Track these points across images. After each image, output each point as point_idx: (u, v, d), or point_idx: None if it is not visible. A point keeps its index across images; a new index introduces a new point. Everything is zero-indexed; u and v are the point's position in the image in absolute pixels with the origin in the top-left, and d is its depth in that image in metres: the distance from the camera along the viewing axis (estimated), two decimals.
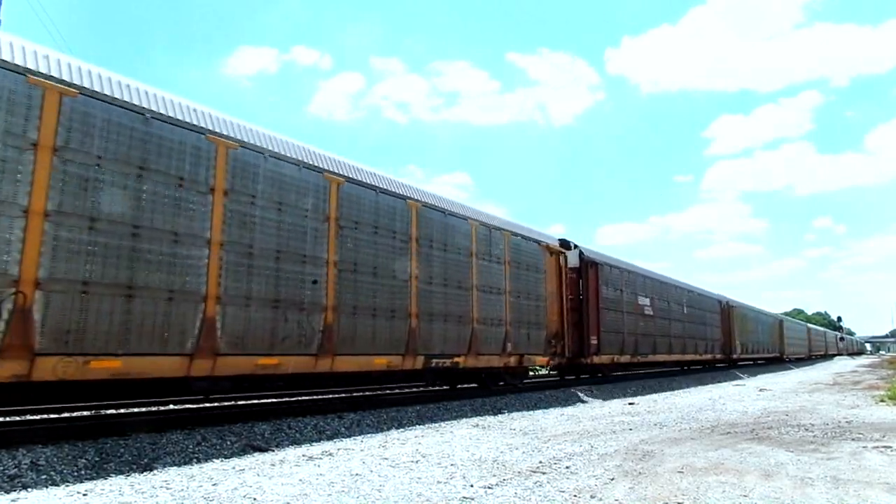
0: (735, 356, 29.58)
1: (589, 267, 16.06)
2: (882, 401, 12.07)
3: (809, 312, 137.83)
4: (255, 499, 4.28)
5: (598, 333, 15.96)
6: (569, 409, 11.05)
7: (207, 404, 9.60)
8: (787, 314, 72.43)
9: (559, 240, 15.17)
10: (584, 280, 15.78)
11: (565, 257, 14.71)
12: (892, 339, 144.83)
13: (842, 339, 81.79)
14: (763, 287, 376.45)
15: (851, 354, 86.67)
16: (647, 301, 19.77)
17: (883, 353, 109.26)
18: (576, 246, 15.79)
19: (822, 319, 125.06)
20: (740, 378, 23.67)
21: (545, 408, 11.33)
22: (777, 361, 40.95)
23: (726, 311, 29.34)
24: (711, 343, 26.25)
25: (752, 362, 36.70)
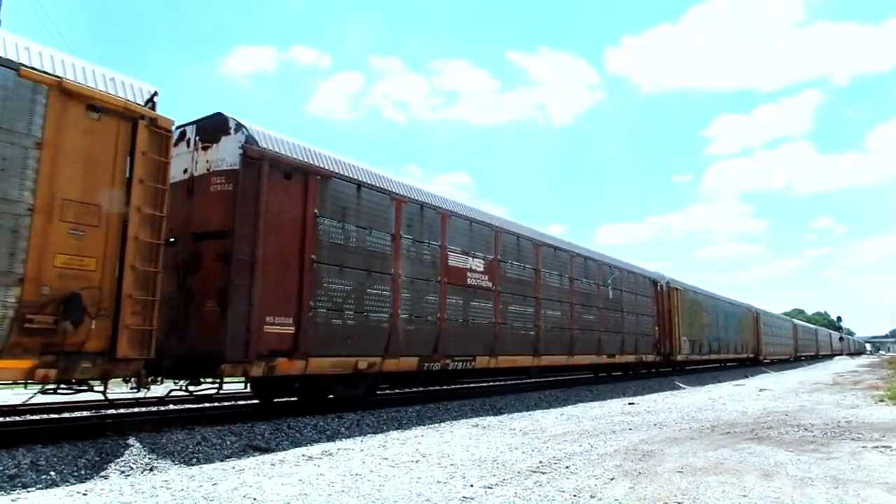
0: (680, 357, 21.94)
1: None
2: (882, 401, 12.07)
3: (809, 312, 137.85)
4: (255, 499, 4.28)
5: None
6: (568, 409, 11.05)
7: (207, 404, 9.61)
8: (786, 314, 70.90)
9: None
10: None
11: None
12: (892, 339, 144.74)
13: (841, 338, 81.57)
14: (763, 287, 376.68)
15: (851, 354, 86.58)
16: (480, 263, 11.58)
17: (883, 353, 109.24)
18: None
19: (822, 319, 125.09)
20: (682, 388, 18.70)
21: (545, 408, 11.33)
22: (751, 363, 34.40)
23: (664, 294, 21.41)
24: (635, 339, 18.48)
25: (720, 365, 30.33)
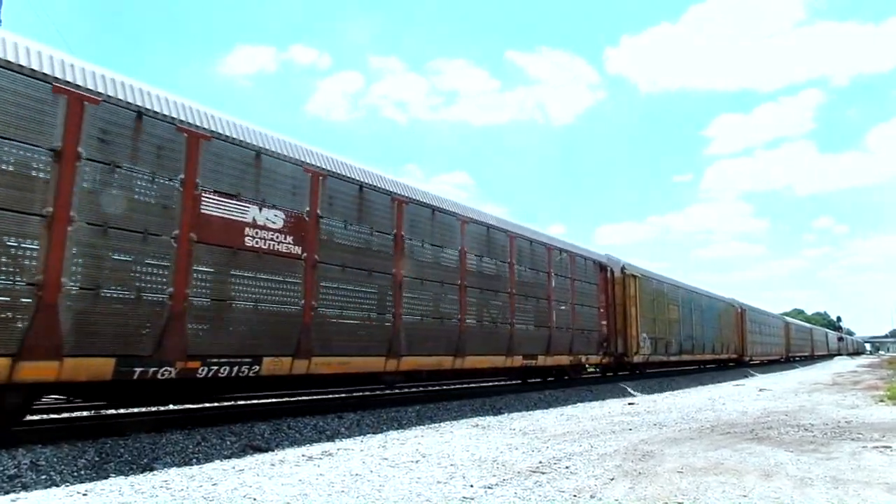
0: (637, 359, 18.06)
1: None
2: (882, 401, 12.07)
3: (809, 312, 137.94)
4: (254, 499, 4.28)
5: None
6: (568, 409, 11.05)
7: (207, 404, 9.60)
8: (786, 314, 70.38)
9: None
10: None
11: None
12: (891, 339, 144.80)
13: (841, 338, 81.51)
14: (763, 287, 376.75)
15: (851, 354, 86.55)
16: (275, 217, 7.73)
17: (882, 353, 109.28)
18: None
19: (822, 319, 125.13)
20: (632, 395, 15.60)
21: (545, 408, 11.33)
22: (736, 365, 30.98)
23: (617, 282, 17.58)
24: (571, 336, 14.50)
25: (699, 367, 26.70)
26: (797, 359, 48.93)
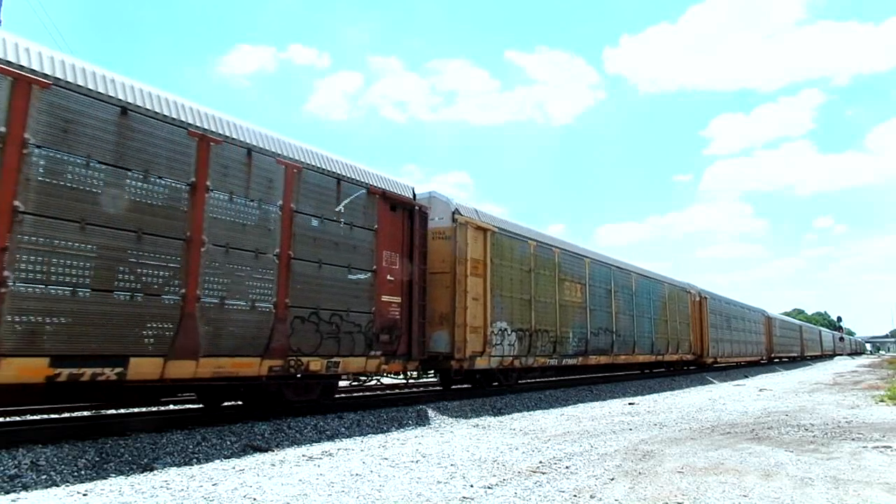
0: (481, 363, 11.14)
1: None
2: (882, 401, 12.07)
3: (809, 312, 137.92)
4: (254, 499, 4.28)
5: None
6: (569, 409, 11.05)
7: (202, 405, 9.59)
8: (786, 314, 69.70)
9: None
10: None
11: None
12: (892, 339, 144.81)
13: (841, 338, 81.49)
14: (763, 287, 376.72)
15: (851, 354, 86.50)
16: None
17: (883, 353, 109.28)
18: None
19: (822, 319, 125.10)
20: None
21: (545, 408, 11.33)
22: (696, 368, 25.00)
23: (431, 237, 10.75)
24: (315, 327, 8.09)
25: (642, 372, 21.10)
26: (785, 360, 42.74)
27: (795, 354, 46.31)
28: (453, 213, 11.10)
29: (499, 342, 11.77)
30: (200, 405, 9.07)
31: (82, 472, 5.08)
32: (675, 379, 20.33)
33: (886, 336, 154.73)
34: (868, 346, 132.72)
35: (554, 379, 15.64)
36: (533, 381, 14.83)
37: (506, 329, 12.04)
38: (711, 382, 21.06)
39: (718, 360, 26.57)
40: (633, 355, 18.24)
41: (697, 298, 24.77)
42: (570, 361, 14.52)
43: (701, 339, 24.51)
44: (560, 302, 14.22)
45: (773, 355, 38.29)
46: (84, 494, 4.37)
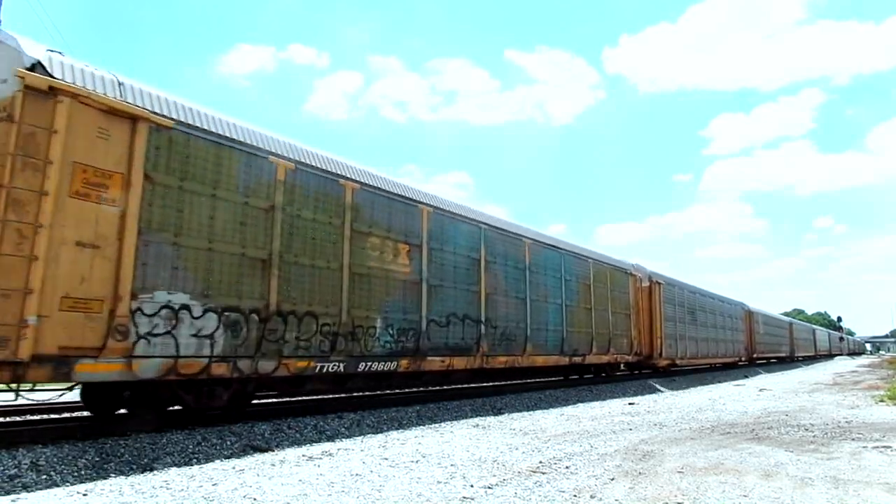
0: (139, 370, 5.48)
1: None
2: (882, 401, 12.07)
3: (809, 312, 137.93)
4: (255, 499, 4.28)
5: None
6: (569, 409, 11.05)
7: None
8: (786, 314, 68.96)
9: None
10: None
11: None
12: (892, 339, 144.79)
13: (842, 338, 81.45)
14: (763, 287, 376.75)
15: (851, 354, 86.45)
16: None
17: (883, 353, 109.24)
18: None
19: (823, 319, 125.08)
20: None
21: (545, 408, 11.33)
22: (640, 373, 20.03)
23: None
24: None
25: (525, 381, 14.57)
26: (772, 361, 37.76)
27: (784, 355, 40.97)
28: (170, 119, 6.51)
29: (162, 329, 6.30)
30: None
31: (82, 473, 5.08)
32: (578, 389, 14.47)
33: (886, 336, 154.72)
34: (868, 346, 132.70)
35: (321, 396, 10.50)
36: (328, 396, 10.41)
37: (186, 306, 6.57)
38: (659, 391, 16.60)
39: (677, 361, 21.19)
40: (525, 356, 12.73)
41: (646, 283, 19.39)
42: (379, 366, 9.10)
43: (651, 335, 19.19)
44: (356, 269, 8.85)
45: (755, 356, 32.92)
46: (84, 494, 4.38)
